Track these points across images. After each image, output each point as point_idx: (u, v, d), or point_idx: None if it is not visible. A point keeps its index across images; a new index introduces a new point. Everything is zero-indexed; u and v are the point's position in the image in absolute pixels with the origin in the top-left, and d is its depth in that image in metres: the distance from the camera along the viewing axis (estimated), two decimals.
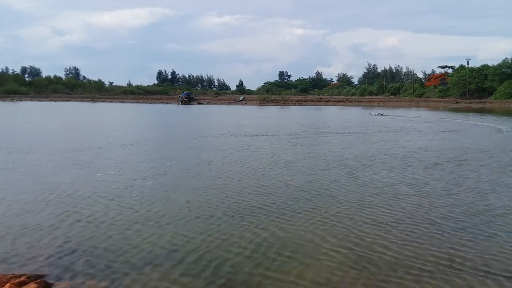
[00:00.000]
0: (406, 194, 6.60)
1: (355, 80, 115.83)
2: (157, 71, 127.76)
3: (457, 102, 53.06)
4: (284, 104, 57.69)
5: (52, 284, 3.58)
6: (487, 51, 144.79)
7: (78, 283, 3.60)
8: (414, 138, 14.98)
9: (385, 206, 5.96)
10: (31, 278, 3.55)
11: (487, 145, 12.80)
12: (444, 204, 6.03)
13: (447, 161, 9.73)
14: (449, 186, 7.16)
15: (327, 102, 61.22)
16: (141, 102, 61.92)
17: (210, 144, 13.06)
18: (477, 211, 5.69)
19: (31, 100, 61.67)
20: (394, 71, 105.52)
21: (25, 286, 3.38)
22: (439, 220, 5.31)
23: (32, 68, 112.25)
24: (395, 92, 76.77)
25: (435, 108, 44.46)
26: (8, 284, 3.37)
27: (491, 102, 50.74)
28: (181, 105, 54.27)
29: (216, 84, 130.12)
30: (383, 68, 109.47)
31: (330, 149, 11.74)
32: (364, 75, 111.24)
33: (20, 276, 3.59)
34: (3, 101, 56.84)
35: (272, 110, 41.19)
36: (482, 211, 5.70)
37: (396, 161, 9.76)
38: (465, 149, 11.86)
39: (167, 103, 60.50)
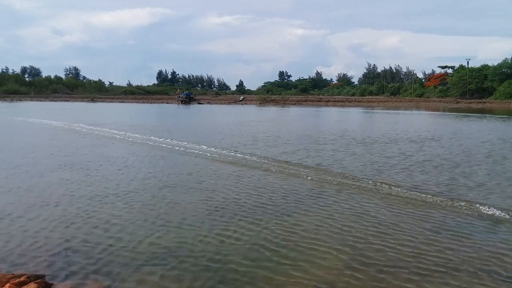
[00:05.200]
0: (404, 192, 6.59)
1: (355, 80, 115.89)
2: (157, 71, 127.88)
3: (457, 102, 53.05)
4: (284, 104, 57.67)
5: (52, 284, 3.57)
6: (487, 51, 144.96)
7: (78, 283, 3.59)
8: None
9: (381, 205, 5.95)
10: (31, 278, 3.54)
11: None
12: (442, 204, 6.02)
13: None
14: (448, 185, 7.15)
15: (327, 102, 61.23)
16: (141, 102, 62.00)
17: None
18: (475, 211, 5.68)
19: (31, 100, 61.71)
20: (394, 71, 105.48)
21: (25, 286, 3.36)
22: (436, 219, 5.30)
23: (32, 68, 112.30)
24: (395, 92, 76.77)
25: (435, 109, 44.42)
26: (8, 284, 3.36)
27: (491, 102, 50.74)
28: (181, 105, 54.37)
29: (216, 84, 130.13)
30: (383, 68, 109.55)
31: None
32: (364, 75, 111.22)
33: (20, 276, 3.57)
34: (3, 101, 56.90)
35: (267, 112, 41.19)
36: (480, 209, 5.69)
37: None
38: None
39: (167, 103, 60.61)
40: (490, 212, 5.60)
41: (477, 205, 5.94)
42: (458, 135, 16.04)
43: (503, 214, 5.53)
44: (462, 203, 6.04)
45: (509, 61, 56.34)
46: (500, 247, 4.43)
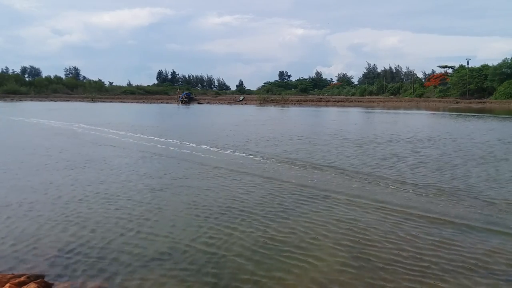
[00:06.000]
0: (407, 191, 6.66)
1: (355, 80, 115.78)
2: (157, 71, 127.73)
3: (457, 102, 53.05)
4: (284, 104, 57.66)
5: (52, 284, 3.63)
6: (487, 51, 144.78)
7: (78, 283, 3.65)
8: None
9: (381, 204, 6.02)
10: (31, 278, 3.59)
11: None
12: (442, 203, 6.09)
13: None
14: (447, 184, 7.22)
15: (327, 102, 61.21)
16: (141, 102, 62.06)
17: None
18: (476, 211, 5.75)
19: (31, 100, 61.73)
20: (394, 71, 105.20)
21: (25, 286, 3.42)
22: (438, 219, 5.38)
23: (32, 68, 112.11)
24: (395, 92, 76.71)
25: (435, 109, 44.42)
26: (8, 284, 3.41)
27: (491, 102, 50.73)
28: (181, 105, 54.38)
29: (216, 84, 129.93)
30: (383, 68, 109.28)
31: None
32: (364, 75, 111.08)
33: (20, 276, 3.63)
34: (3, 101, 56.94)
35: (267, 112, 41.19)
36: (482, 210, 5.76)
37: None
38: None
39: (167, 103, 60.66)
40: (483, 212, 5.67)
41: (470, 206, 6.01)
42: (455, 135, 16.08)
43: (495, 215, 5.60)
44: (457, 205, 6.11)
45: (509, 61, 56.29)
46: (492, 250, 4.48)
